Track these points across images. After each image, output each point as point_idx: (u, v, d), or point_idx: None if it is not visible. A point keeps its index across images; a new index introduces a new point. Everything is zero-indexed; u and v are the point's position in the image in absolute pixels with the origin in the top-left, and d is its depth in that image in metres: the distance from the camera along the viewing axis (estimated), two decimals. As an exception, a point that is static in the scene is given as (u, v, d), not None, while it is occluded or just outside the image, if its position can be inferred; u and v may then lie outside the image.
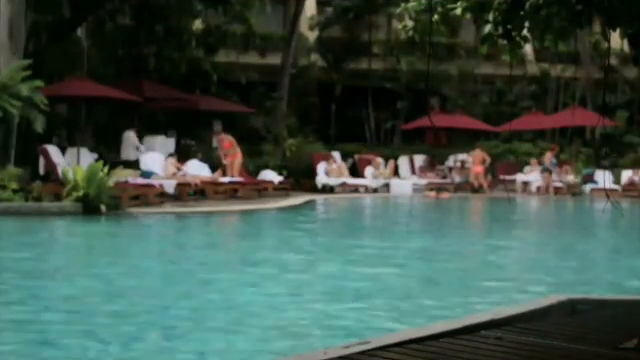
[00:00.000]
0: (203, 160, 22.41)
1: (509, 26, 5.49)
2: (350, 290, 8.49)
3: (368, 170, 25.99)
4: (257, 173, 23.37)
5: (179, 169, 20.82)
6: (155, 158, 20.90)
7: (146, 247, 12.60)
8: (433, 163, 27.99)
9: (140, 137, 22.76)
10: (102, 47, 26.32)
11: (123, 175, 18.22)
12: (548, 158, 26.79)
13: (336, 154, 26.18)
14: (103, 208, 15.92)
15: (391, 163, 26.84)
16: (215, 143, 23.32)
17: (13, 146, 17.97)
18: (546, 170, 26.47)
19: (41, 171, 18.58)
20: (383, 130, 32.33)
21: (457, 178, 27.31)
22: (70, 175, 16.34)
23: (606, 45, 6.83)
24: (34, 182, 16.78)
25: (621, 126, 30.53)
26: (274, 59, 29.71)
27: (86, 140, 22.02)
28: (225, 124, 25.30)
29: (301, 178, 24.76)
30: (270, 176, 23.07)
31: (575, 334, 4.94)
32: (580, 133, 32.02)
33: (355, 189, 25.05)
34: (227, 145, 22.60)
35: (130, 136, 22.09)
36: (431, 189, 25.41)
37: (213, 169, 22.03)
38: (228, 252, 12.48)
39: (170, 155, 21.02)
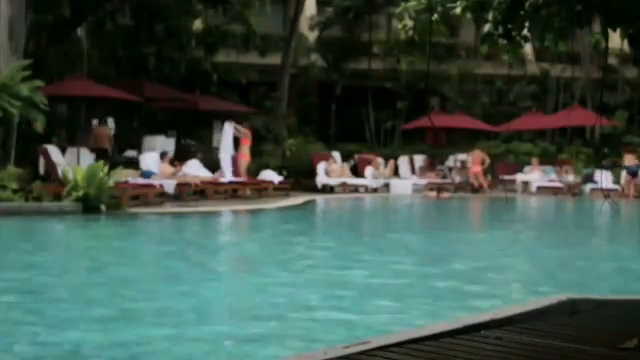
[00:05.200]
0: (203, 161, 22.47)
1: (509, 26, 5.49)
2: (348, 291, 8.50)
3: (368, 170, 25.99)
4: (257, 173, 23.38)
5: (174, 166, 20.80)
6: (155, 158, 20.89)
7: (145, 247, 12.59)
8: (433, 163, 27.99)
9: (140, 137, 22.83)
10: (102, 47, 26.32)
11: (123, 175, 18.21)
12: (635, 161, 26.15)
13: (336, 154, 26.18)
14: (103, 208, 15.93)
15: (391, 163, 26.83)
16: (226, 134, 23.00)
17: (13, 146, 17.96)
18: (633, 173, 25.85)
19: (41, 171, 18.58)
20: (383, 130, 32.33)
21: (457, 178, 27.31)
22: (70, 175, 16.34)
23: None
24: (34, 182, 16.77)
25: (621, 126, 30.54)
26: (274, 59, 29.71)
27: (86, 140, 22.02)
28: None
29: (301, 178, 24.75)
30: (270, 176, 23.07)
31: (575, 334, 4.94)
32: (580, 133, 32.02)
33: (355, 189, 25.05)
34: (245, 140, 22.75)
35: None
36: (431, 189, 25.41)
37: (212, 169, 22.05)
38: (227, 252, 12.50)
39: (163, 154, 21.00)
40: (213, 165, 22.40)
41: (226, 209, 18.44)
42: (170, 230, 15.28)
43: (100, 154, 20.82)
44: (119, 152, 22.33)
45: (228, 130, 22.55)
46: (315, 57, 31.97)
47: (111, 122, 22.85)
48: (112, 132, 22.39)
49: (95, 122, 22.52)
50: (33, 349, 5.95)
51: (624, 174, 25.97)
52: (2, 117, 17.13)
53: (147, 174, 19.77)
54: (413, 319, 6.94)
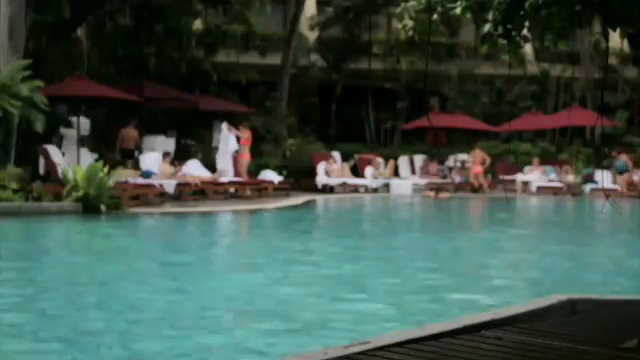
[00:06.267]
0: (203, 161, 22.49)
1: (509, 26, 5.49)
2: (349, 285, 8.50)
3: (368, 170, 26.00)
4: (257, 173, 23.39)
5: (175, 166, 20.80)
6: (155, 158, 20.90)
7: (144, 247, 12.59)
8: (434, 163, 27.97)
9: (140, 137, 22.83)
10: (102, 47, 26.31)
11: (123, 175, 18.22)
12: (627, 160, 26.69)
13: (336, 154, 26.18)
14: (103, 208, 15.93)
15: (391, 163, 26.84)
16: (225, 134, 22.97)
17: (13, 146, 17.96)
18: (620, 171, 26.22)
19: (41, 171, 18.58)
20: (383, 130, 32.33)
21: (457, 178, 27.31)
22: (70, 175, 16.34)
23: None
24: (34, 182, 16.78)
25: (621, 126, 30.54)
26: (274, 59, 29.71)
27: (86, 140, 22.02)
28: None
29: (301, 178, 24.75)
30: (270, 176, 23.07)
31: (575, 334, 4.94)
32: (580, 133, 32.03)
33: (355, 189, 25.05)
34: (245, 141, 22.79)
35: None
36: (431, 189, 25.42)
37: (212, 169, 22.07)
38: (225, 252, 12.50)
39: (165, 154, 21.02)
40: (213, 165, 22.41)
41: (226, 209, 18.44)
42: (170, 230, 15.28)
43: (126, 154, 21.33)
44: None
45: (227, 131, 22.55)
46: (315, 57, 31.96)
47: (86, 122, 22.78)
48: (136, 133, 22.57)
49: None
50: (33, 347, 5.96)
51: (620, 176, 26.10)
52: (2, 117, 17.14)
53: (147, 174, 19.78)
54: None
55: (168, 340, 6.23)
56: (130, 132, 22.30)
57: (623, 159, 26.74)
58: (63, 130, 21.40)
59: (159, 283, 8.92)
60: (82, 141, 20.94)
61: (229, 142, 22.49)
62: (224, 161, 22.29)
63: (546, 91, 33.73)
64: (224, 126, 22.70)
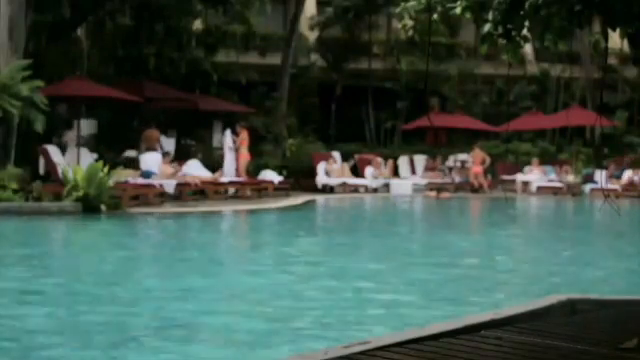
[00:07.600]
0: (203, 161, 22.51)
1: (509, 26, 5.49)
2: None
3: (368, 170, 25.99)
4: (257, 173, 23.39)
5: (173, 166, 20.81)
6: (155, 158, 20.89)
7: (143, 247, 12.60)
8: (435, 163, 27.96)
9: (140, 137, 22.83)
10: (102, 47, 26.30)
11: (123, 175, 18.22)
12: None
13: (336, 154, 26.18)
14: (103, 208, 15.94)
15: (390, 163, 26.82)
16: (227, 138, 23.11)
17: (13, 146, 17.96)
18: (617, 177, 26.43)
19: (41, 171, 18.58)
20: (383, 130, 32.32)
21: (457, 178, 27.31)
22: (70, 175, 16.34)
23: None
24: (34, 182, 16.78)
25: (621, 126, 30.53)
26: (274, 59, 29.70)
27: (86, 140, 22.02)
28: (225, 124, 25.30)
29: (301, 178, 24.75)
30: (270, 176, 23.07)
31: (575, 334, 4.94)
32: (580, 133, 32.03)
33: (355, 189, 25.05)
34: (243, 142, 22.82)
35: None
36: (431, 189, 25.41)
37: (212, 169, 22.07)
38: (225, 252, 12.50)
39: (165, 154, 21.03)
40: (213, 165, 22.41)
41: (226, 209, 18.44)
42: (170, 230, 15.28)
43: None
44: (118, 152, 22.31)
45: (230, 140, 22.74)
46: (315, 57, 31.95)
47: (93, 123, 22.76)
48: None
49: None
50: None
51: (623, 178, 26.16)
52: (2, 117, 17.14)
53: (147, 174, 19.77)
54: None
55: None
56: (153, 133, 22.37)
57: (625, 165, 26.80)
58: (67, 134, 21.41)
59: (157, 282, 8.92)
60: (85, 141, 21.02)
61: (230, 153, 22.66)
62: (228, 164, 22.40)
63: (546, 91, 33.71)
64: (228, 133, 22.82)
